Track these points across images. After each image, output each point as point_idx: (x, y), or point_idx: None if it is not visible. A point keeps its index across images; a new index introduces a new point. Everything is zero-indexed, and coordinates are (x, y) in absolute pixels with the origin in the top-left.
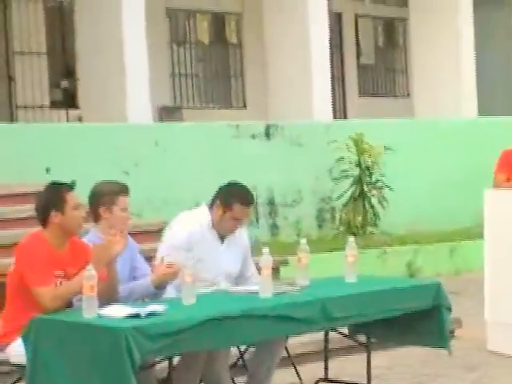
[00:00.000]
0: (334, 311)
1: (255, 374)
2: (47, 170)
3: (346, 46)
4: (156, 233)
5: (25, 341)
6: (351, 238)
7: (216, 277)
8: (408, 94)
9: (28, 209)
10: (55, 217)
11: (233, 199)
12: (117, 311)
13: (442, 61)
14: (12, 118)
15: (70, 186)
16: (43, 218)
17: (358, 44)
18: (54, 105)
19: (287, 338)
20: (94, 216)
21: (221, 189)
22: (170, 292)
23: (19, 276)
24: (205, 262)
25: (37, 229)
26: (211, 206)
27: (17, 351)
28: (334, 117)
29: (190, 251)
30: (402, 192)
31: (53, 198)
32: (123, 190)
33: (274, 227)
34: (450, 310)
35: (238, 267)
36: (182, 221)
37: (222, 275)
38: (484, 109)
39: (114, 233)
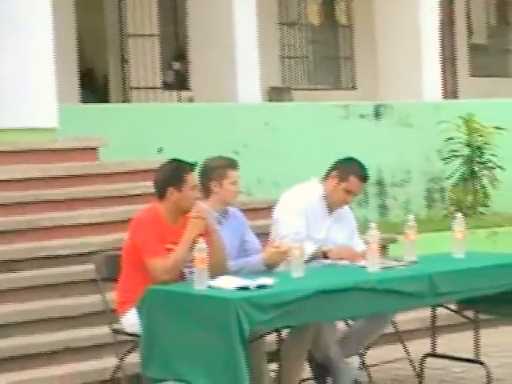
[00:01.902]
0: (441, 286)
1: (346, 340)
2: (159, 150)
3: (457, 25)
4: (265, 210)
5: (139, 311)
6: (459, 215)
7: (321, 246)
8: None
9: (142, 186)
10: (172, 194)
11: (350, 172)
12: (227, 283)
13: None
14: (126, 99)
15: (192, 167)
16: (160, 192)
17: (469, 23)
18: (166, 86)
19: (394, 313)
20: (205, 191)
21: (339, 161)
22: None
23: (134, 248)
24: (312, 231)
25: (152, 203)
26: (326, 177)
27: (131, 321)
28: (445, 97)
29: (304, 218)
30: None
31: (173, 175)
32: (233, 164)
33: (382, 207)
34: None
35: (343, 241)
36: (297, 190)
37: (328, 245)
38: None
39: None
